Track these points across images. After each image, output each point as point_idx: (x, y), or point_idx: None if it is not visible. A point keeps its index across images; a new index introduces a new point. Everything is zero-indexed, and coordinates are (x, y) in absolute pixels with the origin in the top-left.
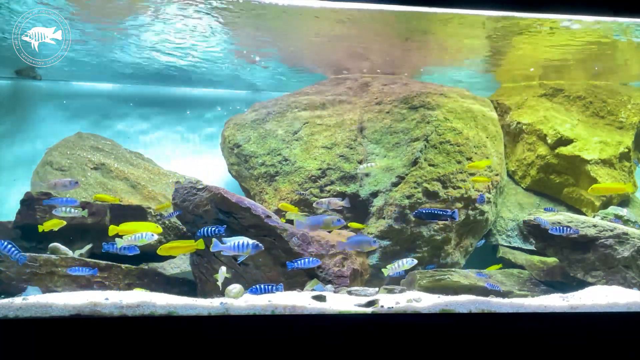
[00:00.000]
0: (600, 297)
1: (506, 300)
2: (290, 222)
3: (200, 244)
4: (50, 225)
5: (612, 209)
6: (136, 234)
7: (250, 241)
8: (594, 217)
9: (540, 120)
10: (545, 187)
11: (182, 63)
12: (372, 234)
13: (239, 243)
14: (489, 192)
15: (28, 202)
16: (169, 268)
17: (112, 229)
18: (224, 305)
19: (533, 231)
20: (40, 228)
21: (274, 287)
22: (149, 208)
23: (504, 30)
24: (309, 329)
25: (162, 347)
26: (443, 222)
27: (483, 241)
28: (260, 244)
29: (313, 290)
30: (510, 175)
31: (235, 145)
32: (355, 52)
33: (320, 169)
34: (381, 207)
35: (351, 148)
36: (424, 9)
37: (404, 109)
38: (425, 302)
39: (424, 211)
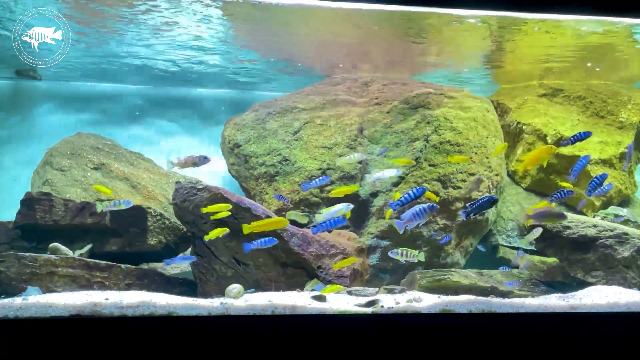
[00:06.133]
0: (600, 297)
1: (506, 300)
2: (290, 222)
3: (285, 221)
4: None
5: (612, 209)
6: (115, 201)
7: (425, 205)
8: (594, 217)
9: (541, 120)
10: (545, 187)
11: (181, 63)
12: (372, 233)
13: (417, 210)
14: (489, 192)
15: (28, 202)
16: (169, 268)
17: (246, 228)
18: (224, 305)
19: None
20: None
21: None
22: (149, 208)
23: (505, 30)
24: (309, 329)
25: (162, 347)
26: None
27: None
28: (436, 205)
29: (313, 290)
30: (510, 175)
31: (235, 145)
32: (355, 52)
33: (320, 169)
34: (381, 207)
35: (351, 148)
36: (424, 9)
37: (404, 109)
38: (425, 302)
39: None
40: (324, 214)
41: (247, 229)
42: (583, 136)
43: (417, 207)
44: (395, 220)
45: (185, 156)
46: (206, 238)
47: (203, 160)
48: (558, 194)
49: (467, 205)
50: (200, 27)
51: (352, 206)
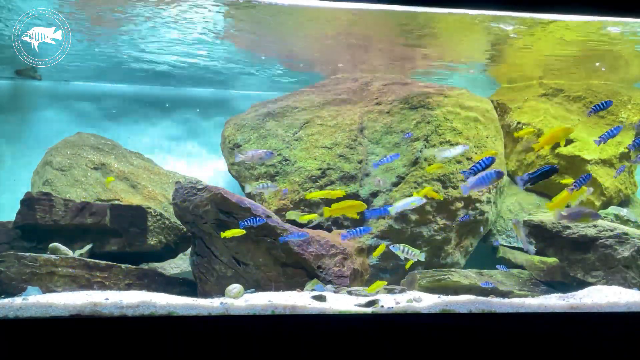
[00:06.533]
0: (600, 297)
1: (506, 300)
2: (290, 222)
3: (363, 205)
4: None
5: (612, 209)
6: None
7: (492, 171)
8: None
9: (540, 120)
10: (545, 187)
11: (181, 63)
12: (372, 233)
13: (483, 176)
14: (489, 192)
15: (28, 202)
16: (169, 268)
17: (327, 211)
18: (224, 305)
19: (533, 231)
20: None
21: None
22: (149, 208)
23: (505, 29)
24: (309, 329)
25: (162, 347)
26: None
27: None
28: (501, 171)
29: (313, 290)
30: (511, 175)
31: (235, 145)
32: (355, 52)
33: (320, 169)
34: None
35: (351, 148)
36: (424, 9)
37: (404, 109)
38: (425, 302)
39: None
40: (397, 205)
41: (327, 211)
42: (615, 132)
43: (483, 173)
44: (461, 185)
45: (252, 151)
46: (222, 235)
47: (269, 155)
48: (579, 180)
49: (525, 175)
50: (198, 27)
51: (424, 200)
